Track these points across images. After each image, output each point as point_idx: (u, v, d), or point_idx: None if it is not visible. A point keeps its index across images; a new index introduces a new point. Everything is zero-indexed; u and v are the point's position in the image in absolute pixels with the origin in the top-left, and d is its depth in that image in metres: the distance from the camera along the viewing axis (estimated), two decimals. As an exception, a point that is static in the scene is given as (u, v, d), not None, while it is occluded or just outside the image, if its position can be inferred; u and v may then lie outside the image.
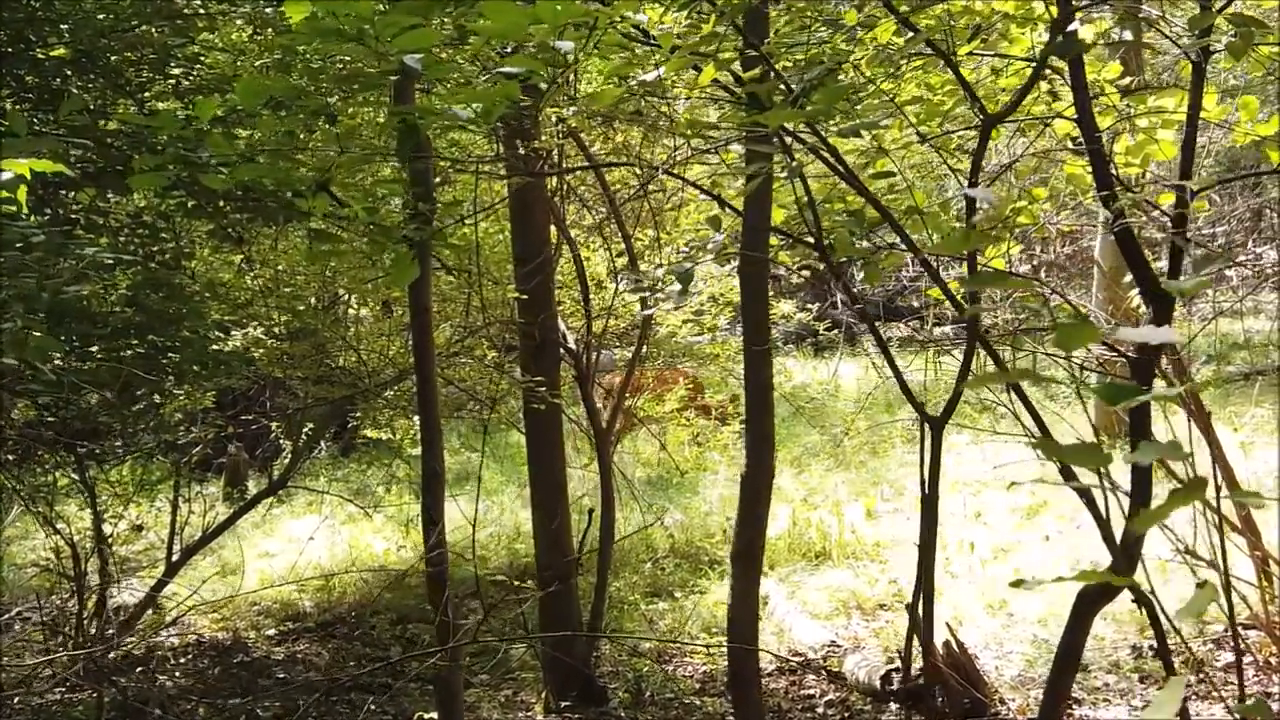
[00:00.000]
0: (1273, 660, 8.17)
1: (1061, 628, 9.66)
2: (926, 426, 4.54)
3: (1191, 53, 4.34)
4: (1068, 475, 4.00)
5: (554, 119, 7.28)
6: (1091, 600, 4.74)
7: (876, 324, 5.25)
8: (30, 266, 3.58)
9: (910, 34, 3.50)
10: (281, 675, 9.78)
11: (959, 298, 4.47)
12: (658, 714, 8.71)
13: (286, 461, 11.82)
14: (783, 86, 3.17)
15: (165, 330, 5.44)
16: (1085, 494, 4.18)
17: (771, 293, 16.90)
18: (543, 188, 8.37)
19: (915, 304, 29.38)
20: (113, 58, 5.45)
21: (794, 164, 3.28)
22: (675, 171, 5.76)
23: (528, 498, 14.48)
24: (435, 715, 8.26)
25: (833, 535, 12.26)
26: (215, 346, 6.33)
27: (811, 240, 4.05)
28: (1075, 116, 4.34)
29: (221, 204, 5.53)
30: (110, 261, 4.51)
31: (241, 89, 2.67)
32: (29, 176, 2.72)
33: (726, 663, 9.48)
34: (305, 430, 11.00)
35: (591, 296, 9.33)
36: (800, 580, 11.24)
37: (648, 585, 11.45)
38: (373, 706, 9.04)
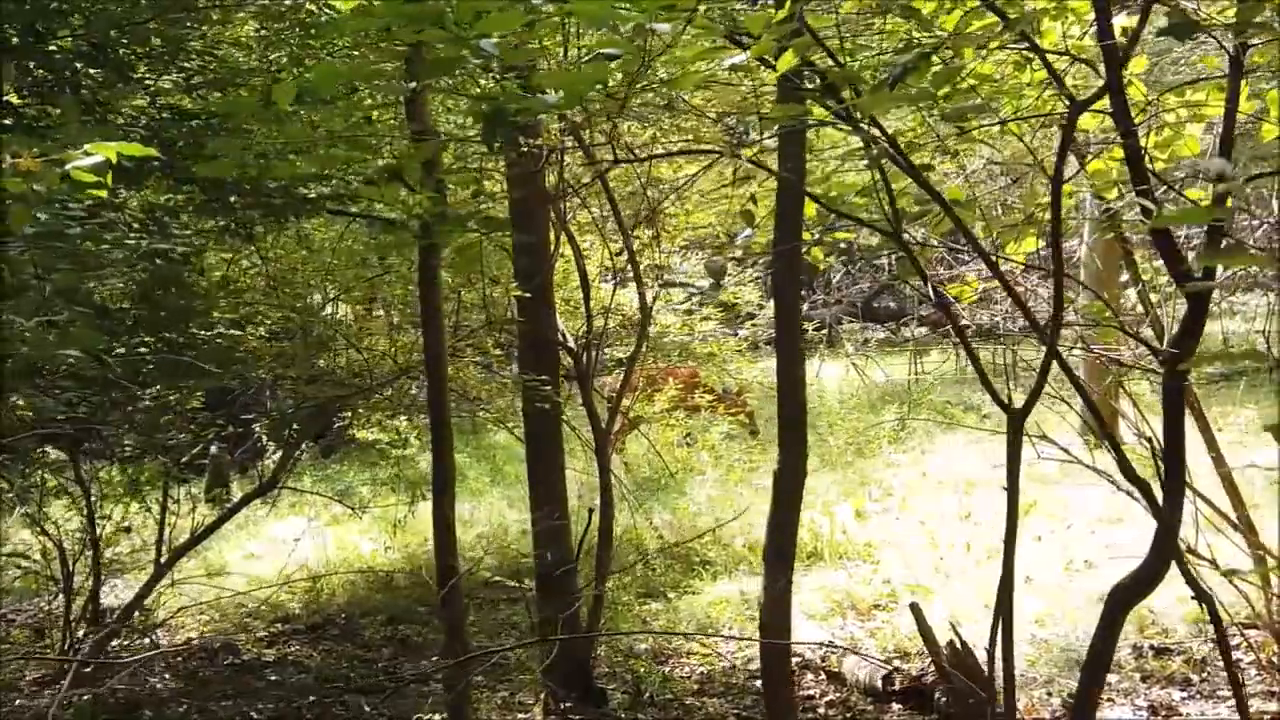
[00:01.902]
0: (1275, 659, 8.16)
1: (1059, 627, 9.68)
2: (1008, 420, 4.45)
3: (1230, 46, 4.30)
4: (1127, 472, 3.96)
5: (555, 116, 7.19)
6: (1123, 600, 4.69)
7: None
8: (78, 259, 3.50)
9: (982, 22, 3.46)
10: (274, 677, 9.67)
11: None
12: (657, 715, 8.65)
13: (271, 462, 11.71)
14: (869, 75, 3.14)
15: (177, 326, 5.36)
16: (1145, 489, 4.14)
17: (760, 292, 16.99)
18: (543, 185, 8.28)
19: (891, 305, 29.51)
20: (122, 51, 5.36)
21: (875, 152, 3.22)
22: (754, 157, 5.60)
23: (513, 498, 14.52)
24: (436, 717, 8.21)
25: (824, 536, 12.23)
26: (229, 345, 6.24)
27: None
28: (1112, 111, 4.29)
29: (231, 199, 5.45)
30: (134, 256, 4.42)
31: (318, 73, 2.60)
32: (115, 161, 2.64)
33: (731, 663, 9.51)
34: (292, 430, 10.88)
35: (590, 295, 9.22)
36: (794, 581, 11.16)
37: (640, 586, 11.40)
38: (366, 708, 8.98)
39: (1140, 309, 9.75)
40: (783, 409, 5.53)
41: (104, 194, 2.63)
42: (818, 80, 3.41)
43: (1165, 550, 4.52)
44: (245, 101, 3.03)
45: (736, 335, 15.03)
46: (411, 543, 13.13)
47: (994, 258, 4.22)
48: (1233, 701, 8.01)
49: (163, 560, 9.97)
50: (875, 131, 3.44)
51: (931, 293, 4.02)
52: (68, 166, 2.57)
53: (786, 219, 4.92)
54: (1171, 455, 4.37)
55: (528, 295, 8.22)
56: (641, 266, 9.39)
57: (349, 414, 11.63)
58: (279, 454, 11.74)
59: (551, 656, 8.44)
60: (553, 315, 8.81)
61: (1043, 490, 13.14)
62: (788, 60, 3.03)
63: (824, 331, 22.27)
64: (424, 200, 3.23)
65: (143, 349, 5.21)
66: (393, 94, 3.37)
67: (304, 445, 12.16)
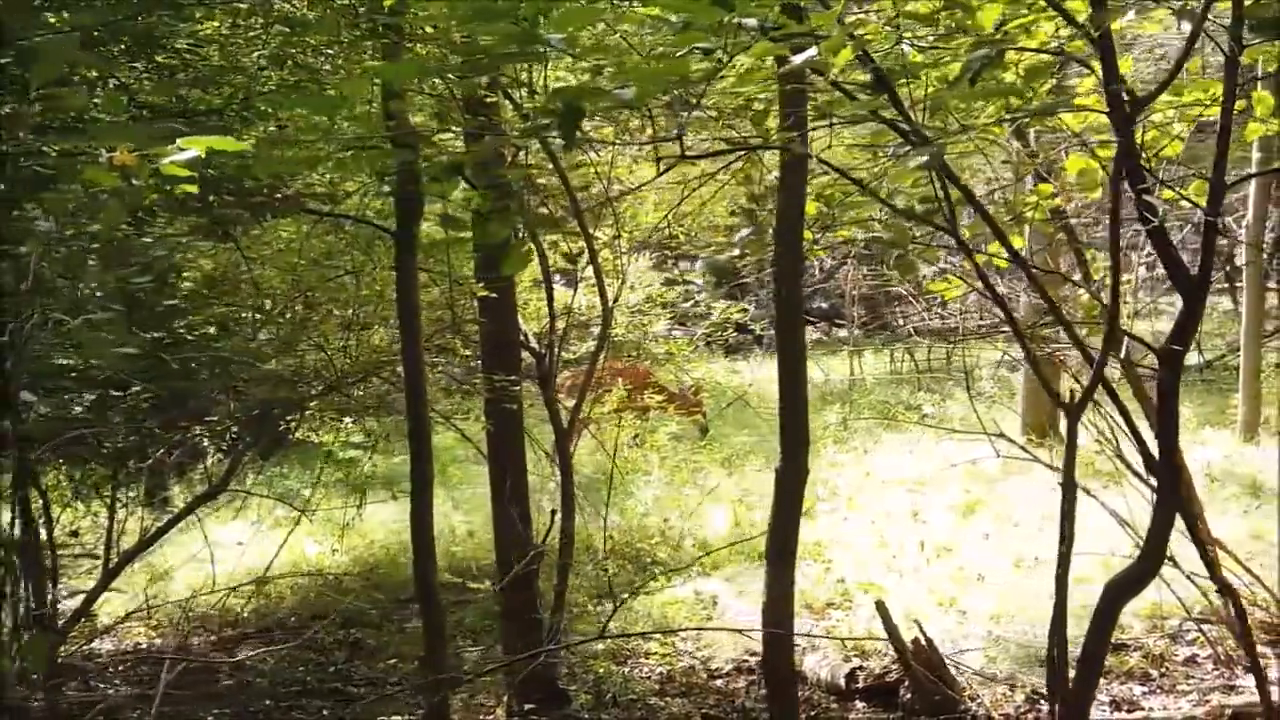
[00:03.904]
0: (1233, 653, 8.29)
1: (1015, 625, 9.76)
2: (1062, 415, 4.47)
3: (1225, 46, 4.35)
4: (1152, 469, 3.99)
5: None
6: (1116, 598, 4.74)
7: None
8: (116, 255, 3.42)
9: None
10: (228, 682, 9.55)
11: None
12: (620, 715, 8.64)
13: (214, 463, 11.52)
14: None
15: (164, 326, 5.27)
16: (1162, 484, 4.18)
17: (707, 296, 17.03)
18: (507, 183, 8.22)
19: (824, 306, 29.76)
20: (100, 49, 5.24)
21: (934, 149, 3.22)
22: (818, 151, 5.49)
23: (458, 500, 14.43)
24: (400, 720, 8.15)
25: (775, 535, 12.26)
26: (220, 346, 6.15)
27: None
28: (1109, 109, 4.32)
29: (211, 199, 5.36)
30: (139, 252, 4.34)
31: (387, 71, 2.56)
32: (204, 155, 2.57)
33: (691, 663, 9.53)
34: (232, 433, 10.69)
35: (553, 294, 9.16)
36: (747, 581, 11.18)
37: (593, 587, 11.37)
38: (325, 713, 8.89)
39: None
40: (785, 410, 5.52)
41: (195, 189, 2.59)
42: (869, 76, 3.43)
43: (1159, 547, 4.57)
44: (326, 100, 2.97)
45: (693, 335, 15.08)
46: (359, 545, 13.02)
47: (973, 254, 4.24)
48: (1193, 695, 8.15)
49: (111, 565, 9.77)
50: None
51: (986, 290, 4.03)
52: (162, 161, 2.52)
53: (789, 222, 4.92)
54: (1165, 451, 4.42)
55: (493, 295, 8.17)
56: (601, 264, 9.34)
57: (297, 415, 11.47)
58: (221, 455, 11.58)
59: (514, 659, 8.41)
60: (514, 315, 8.78)
61: (987, 488, 13.30)
62: (846, 55, 3.03)
63: (760, 333, 22.38)
64: (476, 198, 3.20)
65: (131, 349, 5.10)
66: (465, 90, 3.33)
67: (251, 447, 11.99)
